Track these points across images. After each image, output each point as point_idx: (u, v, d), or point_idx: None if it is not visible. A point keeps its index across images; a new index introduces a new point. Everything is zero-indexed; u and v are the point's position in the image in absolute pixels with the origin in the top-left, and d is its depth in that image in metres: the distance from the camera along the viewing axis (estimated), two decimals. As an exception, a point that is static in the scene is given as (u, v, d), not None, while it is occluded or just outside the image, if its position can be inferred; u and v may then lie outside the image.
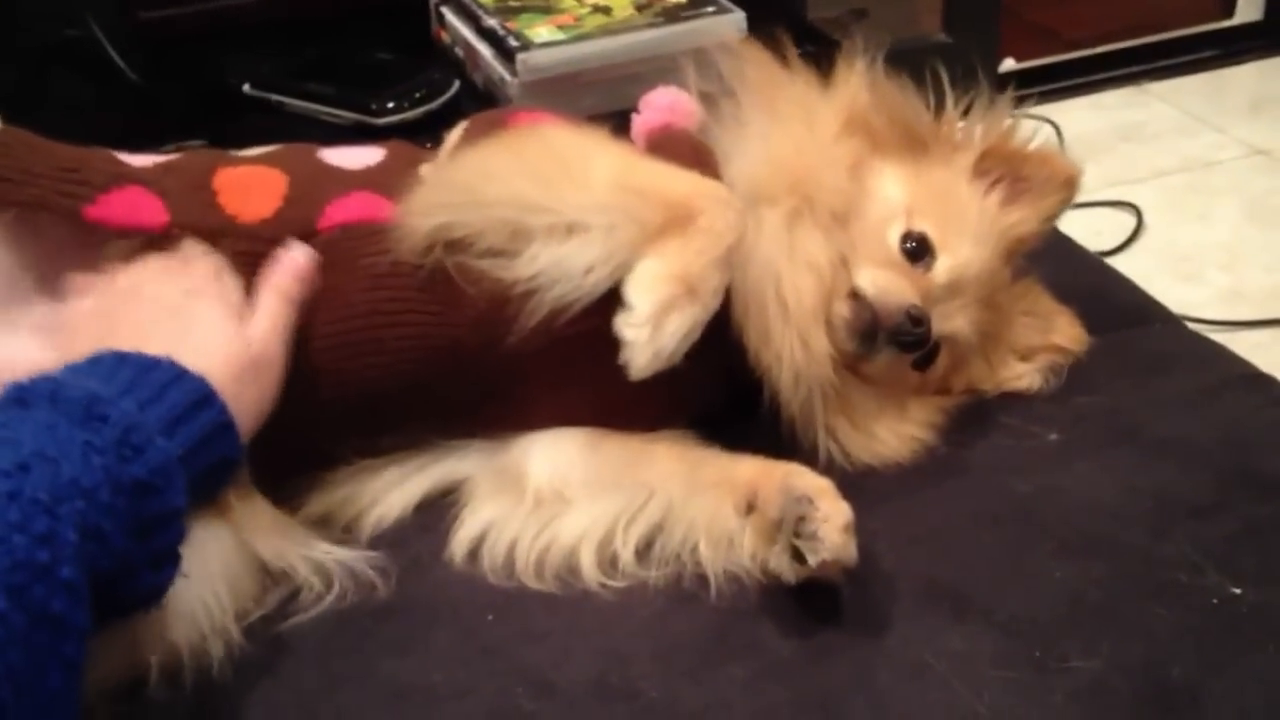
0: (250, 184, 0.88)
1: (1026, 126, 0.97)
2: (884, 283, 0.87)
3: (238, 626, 0.78)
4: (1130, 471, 0.88)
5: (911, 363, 0.90)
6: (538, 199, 0.81)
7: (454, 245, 0.82)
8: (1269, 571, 0.79)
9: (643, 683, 0.74)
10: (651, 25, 1.47)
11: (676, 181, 0.84)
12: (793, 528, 0.76)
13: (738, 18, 1.50)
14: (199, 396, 0.72)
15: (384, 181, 0.88)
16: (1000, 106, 0.96)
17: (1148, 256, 1.66)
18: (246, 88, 1.49)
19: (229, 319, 0.80)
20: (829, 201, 0.88)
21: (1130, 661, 0.74)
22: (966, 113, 0.95)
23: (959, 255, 0.90)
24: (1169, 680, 0.73)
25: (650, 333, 0.78)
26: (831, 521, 0.75)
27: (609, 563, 0.83)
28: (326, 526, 0.86)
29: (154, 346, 0.73)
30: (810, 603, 0.79)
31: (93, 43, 1.46)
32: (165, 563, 0.68)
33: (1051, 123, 1.92)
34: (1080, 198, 1.76)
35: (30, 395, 0.66)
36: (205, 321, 0.79)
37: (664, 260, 0.80)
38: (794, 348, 0.84)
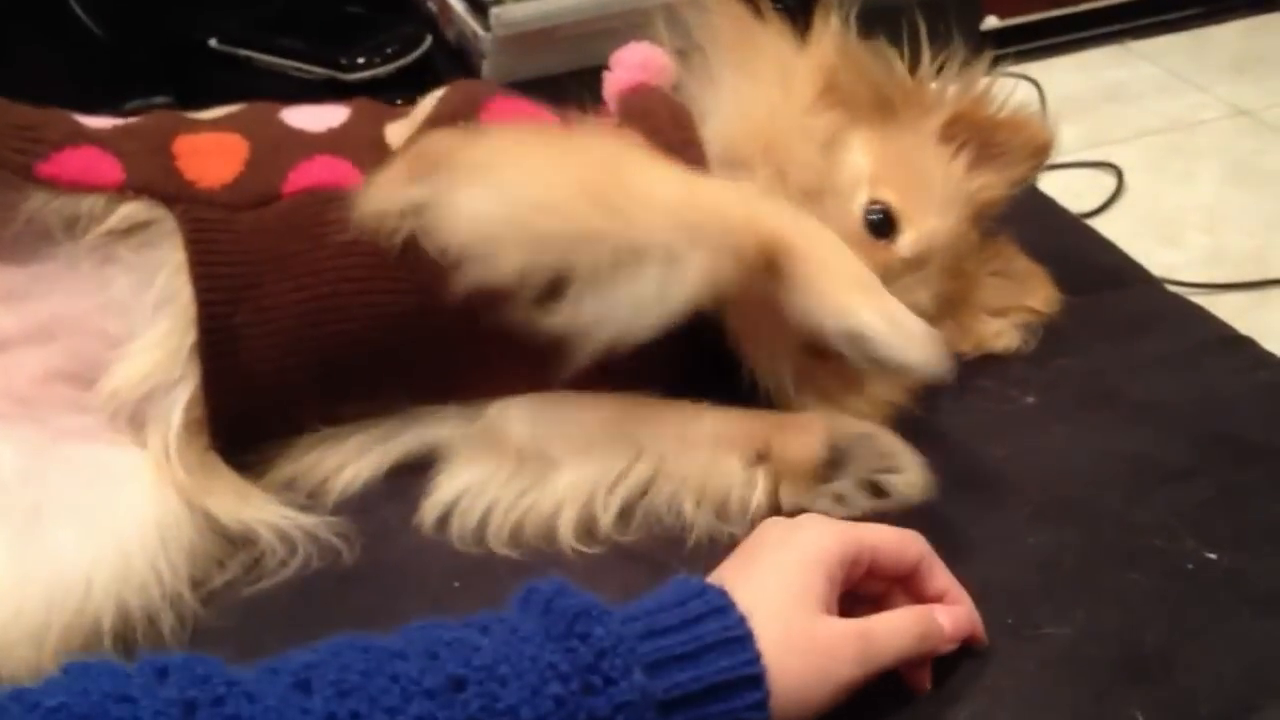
0: (210, 149, 0.85)
1: (1001, 88, 0.95)
2: None
3: (195, 593, 0.76)
4: (1107, 436, 0.88)
5: None
6: (602, 226, 0.71)
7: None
8: (1244, 537, 0.79)
9: (611, 651, 0.73)
10: (630, -23, 1.44)
11: (741, 203, 0.77)
12: (873, 464, 0.80)
13: (716, -28, 1.46)
14: (728, 635, 0.60)
15: (348, 144, 0.86)
16: (974, 68, 0.94)
17: (1128, 218, 1.65)
18: (213, 43, 1.45)
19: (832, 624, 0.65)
20: (799, 177, 0.86)
21: (1104, 628, 0.73)
22: (939, 73, 0.93)
23: (924, 226, 0.89)
24: (1142, 646, 0.72)
25: (908, 338, 0.73)
26: (909, 456, 0.79)
27: (587, 528, 0.82)
28: (292, 491, 0.84)
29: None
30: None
31: (55, -4, 1.42)
32: None
33: (1034, 81, 1.90)
34: (1061, 158, 1.76)
35: (533, 597, 0.60)
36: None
37: (834, 285, 0.74)
38: (768, 335, 0.82)
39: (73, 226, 0.81)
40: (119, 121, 0.87)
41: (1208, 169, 1.76)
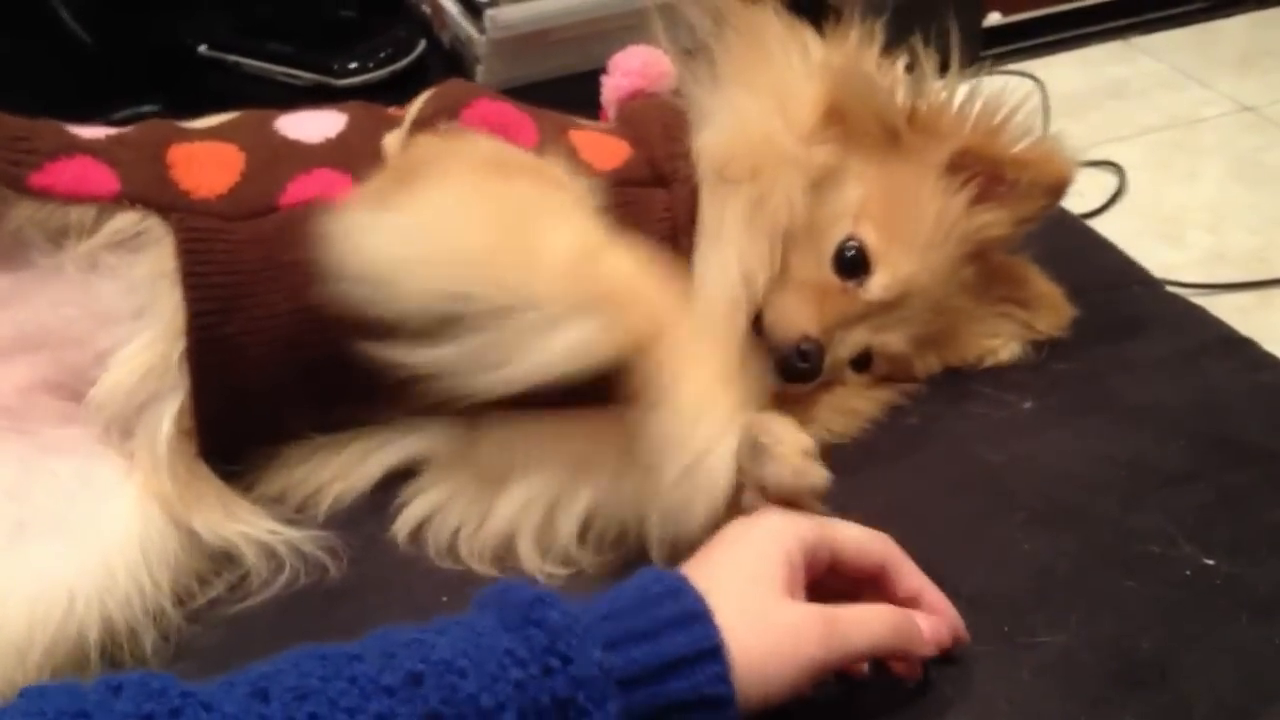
0: (205, 159, 0.85)
1: (1016, 120, 0.90)
2: (782, 309, 0.85)
3: (180, 610, 0.76)
4: (1104, 440, 0.87)
5: (849, 368, 0.89)
6: (476, 285, 0.71)
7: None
8: (1242, 542, 0.78)
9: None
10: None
11: (638, 281, 0.74)
12: (748, 455, 0.72)
13: (712, -28, 1.45)
14: (684, 613, 0.60)
15: (346, 156, 0.85)
16: (988, 98, 0.90)
17: (1130, 217, 1.63)
18: (202, 48, 1.44)
19: (804, 609, 0.66)
20: (779, 212, 0.84)
21: (1099, 635, 0.73)
22: (951, 97, 0.90)
23: (897, 271, 0.86)
24: (1138, 653, 0.72)
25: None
26: (788, 444, 0.71)
27: (548, 549, 0.81)
28: (282, 505, 0.84)
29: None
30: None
31: (42, 2, 1.40)
32: None
33: (1035, 79, 1.88)
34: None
35: (488, 596, 0.61)
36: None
37: (703, 392, 0.71)
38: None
39: (61, 236, 0.80)
40: (111, 131, 0.86)
41: (1211, 166, 1.74)
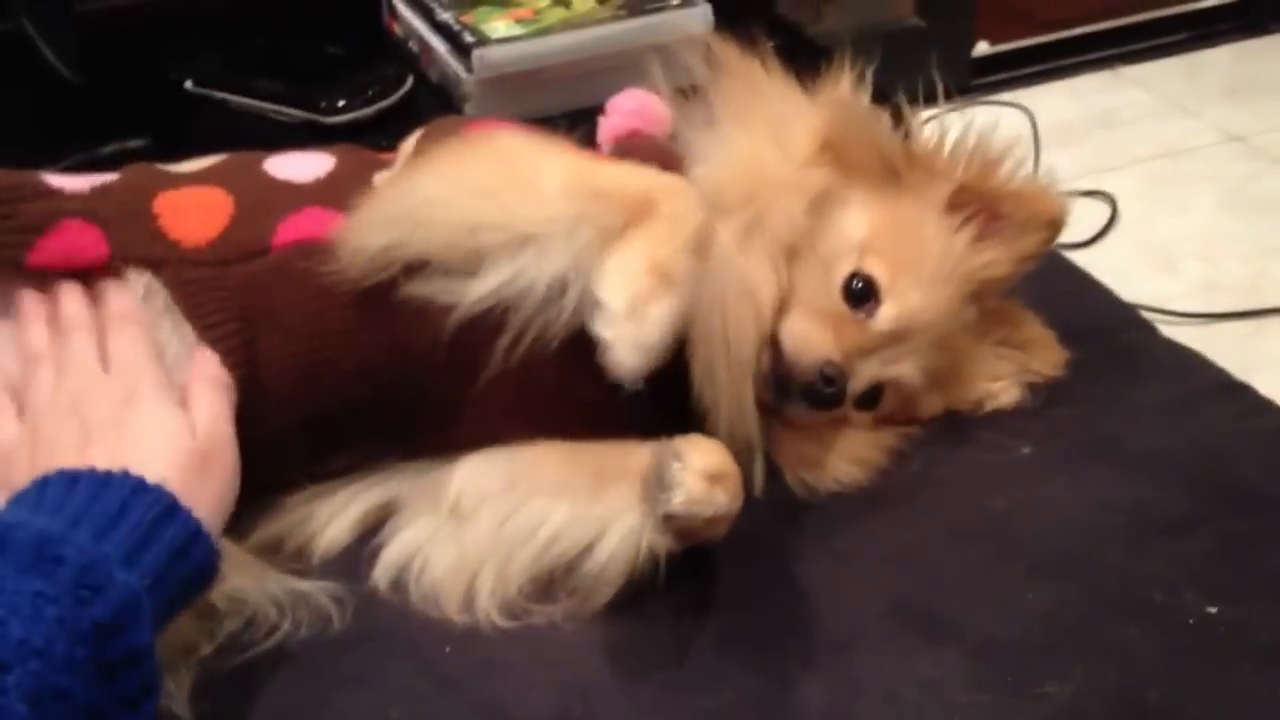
0: (193, 206, 0.84)
1: (1010, 158, 0.91)
2: (802, 334, 0.84)
3: (183, 661, 0.75)
4: (1105, 487, 0.87)
5: (854, 404, 0.89)
6: (486, 216, 0.77)
7: (408, 268, 0.78)
8: (1245, 589, 0.78)
9: (607, 716, 0.73)
10: (615, 19, 1.43)
11: (632, 177, 0.79)
12: (655, 482, 0.74)
13: (704, 10, 1.45)
14: (161, 510, 0.68)
15: (336, 195, 0.84)
16: (985, 136, 0.91)
17: (1123, 247, 1.63)
18: (189, 85, 1.42)
19: (172, 413, 0.75)
20: (779, 229, 0.84)
21: (1105, 685, 0.73)
22: (942, 140, 0.91)
23: (906, 303, 0.87)
24: (1145, 704, 0.72)
25: (633, 328, 0.72)
26: (692, 468, 0.73)
27: (506, 601, 0.80)
28: (277, 554, 0.83)
29: (101, 459, 0.69)
30: (781, 626, 0.78)
31: (24, 38, 1.39)
32: (139, 700, 0.63)
33: (1025, 109, 1.89)
34: (1056, 188, 1.75)
35: None
36: (148, 426, 0.74)
37: (630, 252, 0.75)
38: (728, 401, 0.81)
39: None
40: (94, 181, 0.85)
41: (1201, 196, 1.75)
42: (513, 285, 0.76)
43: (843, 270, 0.86)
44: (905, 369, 0.88)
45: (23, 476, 0.69)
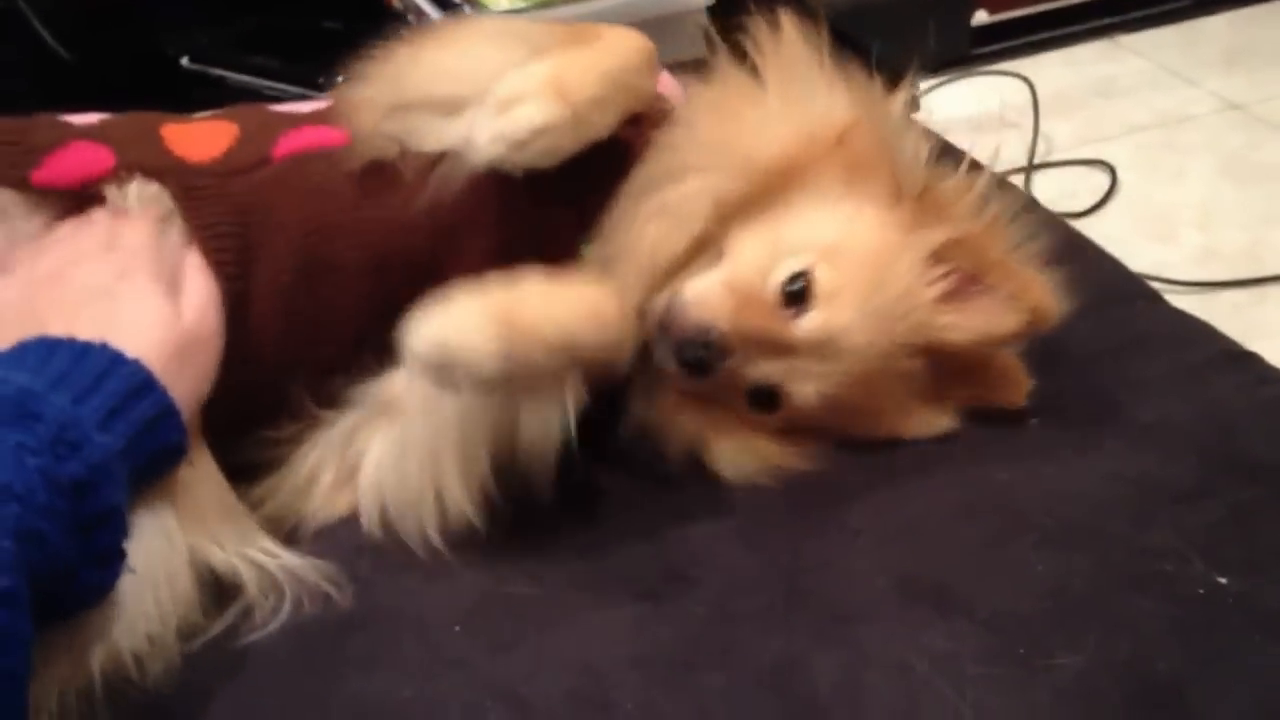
0: (199, 132, 0.88)
1: (1027, 244, 0.85)
2: (705, 293, 0.81)
3: (192, 643, 0.75)
4: (1113, 458, 0.87)
5: (746, 400, 0.85)
6: (464, 66, 0.81)
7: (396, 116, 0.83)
8: (1255, 559, 0.78)
9: (617, 694, 0.72)
10: (618, -9, 1.42)
11: (588, 27, 0.83)
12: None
13: (704, -18, 1.44)
14: (137, 383, 0.70)
15: (333, 117, 0.88)
16: (1001, 196, 0.86)
17: (1122, 216, 1.64)
18: (184, 61, 1.42)
19: (161, 298, 0.77)
20: (741, 167, 0.82)
21: (1116, 657, 0.72)
22: (966, 190, 0.86)
23: (835, 320, 0.82)
24: (1156, 676, 0.72)
25: (499, 121, 0.75)
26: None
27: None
28: (282, 525, 0.84)
29: (85, 331, 0.71)
30: (791, 601, 0.78)
31: (17, 15, 1.38)
32: (108, 560, 0.67)
33: (1024, 78, 1.89)
34: (1054, 156, 1.76)
35: None
36: (137, 302, 0.76)
37: (540, 64, 0.78)
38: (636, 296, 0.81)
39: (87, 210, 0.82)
40: (105, 116, 0.88)
41: (1200, 165, 1.75)
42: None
43: (792, 264, 0.82)
44: (805, 388, 0.83)
45: (10, 338, 0.70)
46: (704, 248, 0.84)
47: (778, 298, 0.82)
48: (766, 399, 0.85)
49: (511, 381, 0.74)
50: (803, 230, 0.83)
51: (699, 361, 0.81)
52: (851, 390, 0.84)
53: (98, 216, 0.82)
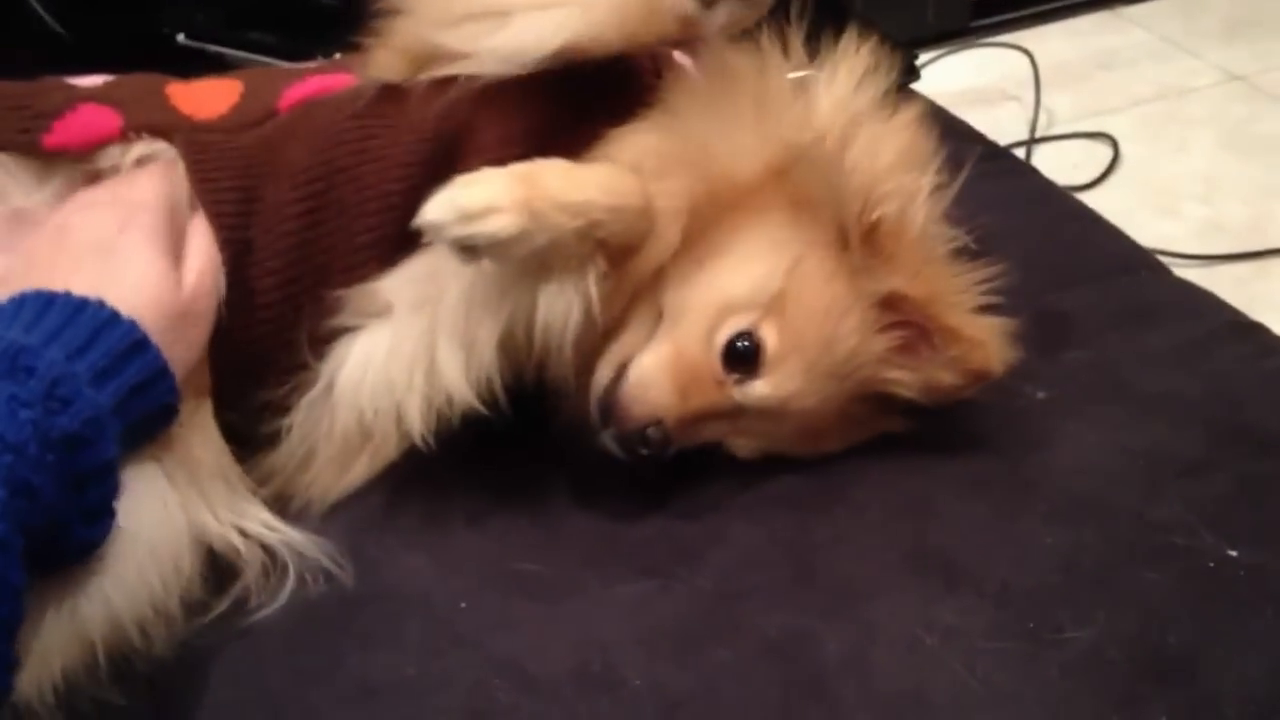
0: (204, 90, 0.88)
1: (974, 290, 0.81)
2: (649, 380, 0.78)
3: (198, 618, 0.75)
4: (1120, 430, 0.86)
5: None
6: None
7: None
8: (1265, 531, 0.78)
9: (625, 670, 0.72)
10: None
11: None
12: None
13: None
14: (130, 342, 0.70)
15: (343, 68, 0.88)
16: (955, 249, 0.83)
17: (1125, 189, 1.63)
18: (181, 38, 1.41)
19: (163, 259, 0.77)
20: (710, 181, 0.78)
21: (1125, 630, 0.72)
22: (914, 229, 0.80)
23: (783, 388, 0.79)
24: (1165, 648, 0.71)
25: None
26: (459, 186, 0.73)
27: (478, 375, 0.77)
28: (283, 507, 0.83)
29: (82, 286, 0.71)
30: (798, 577, 0.77)
31: (16, -4, 1.38)
32: (99, 516, 0.67)
33: (1025, 50, 1.88)
34: (1057, 129, 1.75)
35: None
36: (137, 262, 0.76)
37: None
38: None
39: (98, 179, 0.83)
40: (110, 77, 0.88)
41: (1203, 137, 1.74)
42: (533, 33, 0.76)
43: (736, 323, 0.79)
44: (746, 444, 0.82)
45: (8, 290, 0.70)
46: (639, 296, 0.81)
47: (721, 360, 0.79)
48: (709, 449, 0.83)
49: (532, 247, 0.73)
50: (747, 280, 0.79)
51: (642, 457, 0.79)
52: (789, 439, 0.83)
53: (110, 177, 0.82)
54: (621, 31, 0.78)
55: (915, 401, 0.83)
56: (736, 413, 0.81)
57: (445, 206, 0.72)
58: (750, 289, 0.79)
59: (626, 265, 0.78)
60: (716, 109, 0.80)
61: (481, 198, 0.72)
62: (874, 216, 0.78)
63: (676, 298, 0.80)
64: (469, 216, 0.72)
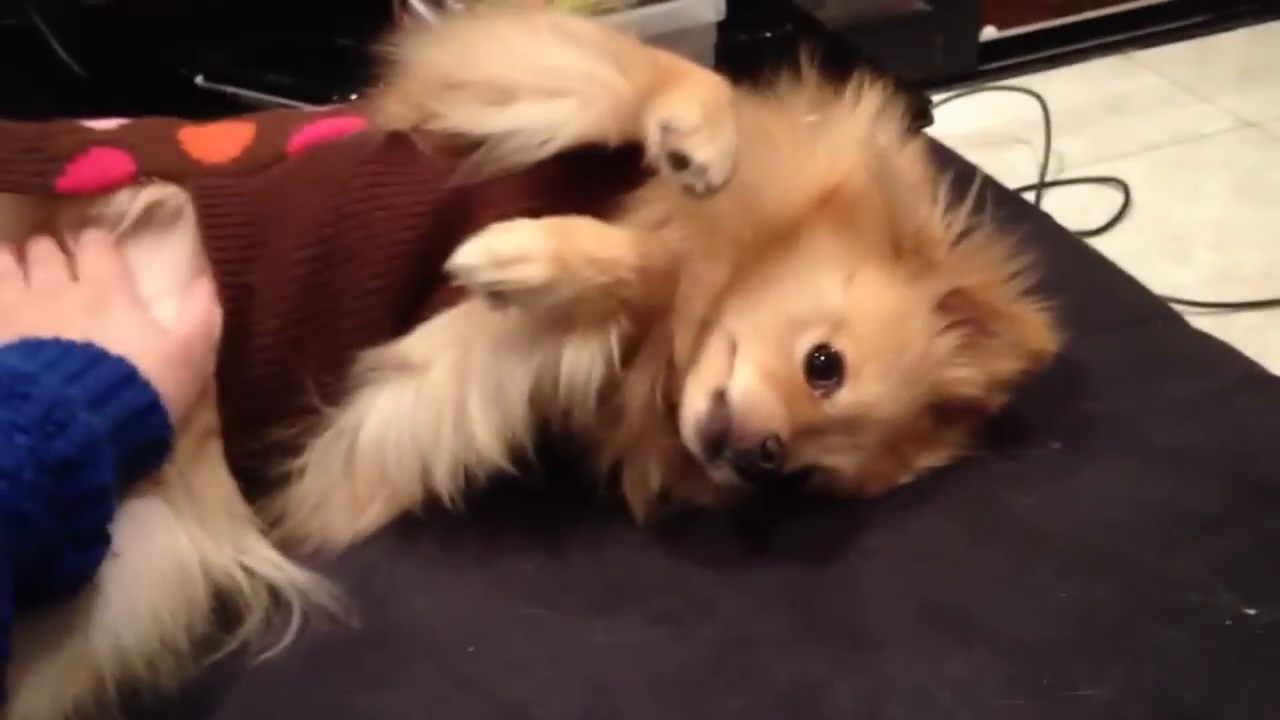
0: (216, 134, 0.89)
1: (1018, 277, 0.84)
2: (755, 395, 0.78)
3: (204, 658, 0.74)
4: (1136, 483, 0.85)
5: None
6: (528, 58, 0.81)
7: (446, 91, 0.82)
8: (1282, 590, 0.77)
9: (634, 717, 0.71)
10: (627, 7, 1.41)
11: (661, 54, 0.81)
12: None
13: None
14: (123, 373, 0.72)
15: (354, 112, 0.89)
16: (999, 242, 0.85)
17: (1136, 235, 1.63)
18: (199, 79, 1.43)
19: (143, 318, 0.80)
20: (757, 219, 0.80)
21: (1142, 687, 0.71)
22: (956, 234, 0.84)
23: (867, 392, 0.80)
24: (1182, 707, 0.70)
25: (711, 135, 0.73)
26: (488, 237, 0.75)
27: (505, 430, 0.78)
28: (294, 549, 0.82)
29: (73, 336, 0.72)
30: (809, 626, 0.76)
31: (34, 33, 1.39)
32: (92, 542, 0.67)
33: (1035, 94, 1.88)
34: (1067, 174, 1.75)
35: None
36: (123, 321, 0.79)
37: (683, 93, 0.76)
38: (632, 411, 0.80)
39: (105, 223, 0.84)
40: (124, 121, 0.89)
41: (1215, 183, 1.74)
42: (532, 125, 0.79)
43: (810, 338, 0.80)
44: (843, 461, 0.81)
45: None
46: (706, 329, 0.81)
47: (805, 374, 0.80)
48: (800, 478, 0.82)
49: (559, 298, 0.74)
50: (810, 297, 0.81)
51: (765, 473, 0.77)
52: (879, 459, 0.83)
53: (45, 251, 0.83)
54: (619, 128, 0.79)
55: (979, 403, 0.85)
56: (826, 428, 0.80)
57: (479, 251, 0.74)
58: (814, 304, 0.81)
59: (651, 325, 0.79)
60: (754, 157, 0.79)
61: (514, 245, 0.74)
62: (923, 226, 0.83)
63: (746, 324, 0.81)
64: (501, 262, 0.73)
